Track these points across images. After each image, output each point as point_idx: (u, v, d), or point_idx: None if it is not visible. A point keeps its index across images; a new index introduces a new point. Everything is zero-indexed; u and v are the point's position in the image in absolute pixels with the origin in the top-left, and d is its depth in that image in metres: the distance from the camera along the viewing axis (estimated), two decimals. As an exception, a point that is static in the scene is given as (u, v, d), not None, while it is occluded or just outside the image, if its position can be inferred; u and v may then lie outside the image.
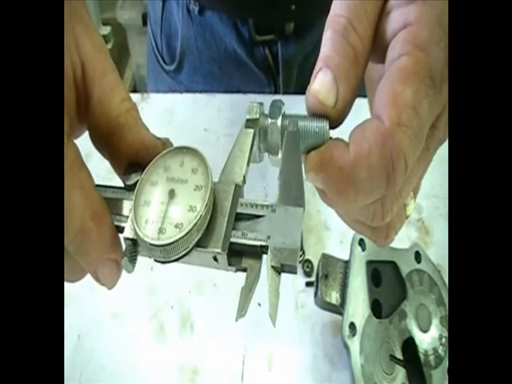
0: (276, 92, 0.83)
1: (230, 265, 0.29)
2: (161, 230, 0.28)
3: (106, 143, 0.32)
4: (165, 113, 0.78)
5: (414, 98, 0.27)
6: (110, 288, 0.33)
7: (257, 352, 0.56)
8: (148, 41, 0.92)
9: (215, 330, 0.57)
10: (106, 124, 0.32)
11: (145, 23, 1.93)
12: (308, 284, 0.60)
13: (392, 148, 0.27)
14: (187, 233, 0.28)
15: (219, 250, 0.28)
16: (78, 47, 0.31)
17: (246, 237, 0.29)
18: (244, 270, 0.29)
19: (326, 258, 0.53)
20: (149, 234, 0.28)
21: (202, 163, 0.30)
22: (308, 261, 0.61)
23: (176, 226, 0.28)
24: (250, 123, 0.32)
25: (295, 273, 0.29)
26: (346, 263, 0.53)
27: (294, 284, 0.60)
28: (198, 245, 0.29)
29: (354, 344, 0.48)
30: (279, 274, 0.28)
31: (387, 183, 0.28)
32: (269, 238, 0.28)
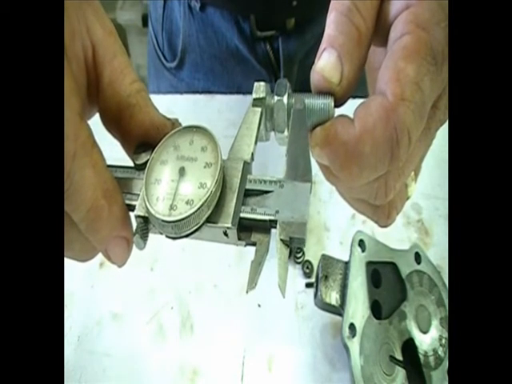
0: None
1: (239, 239, 0.30)
2: (172, 207, 0.29)
3: (116, 124, 0.33)
4: (165, 113, 0.78)
5: (416, 74, 0.28)
6: (120, 266, 0.33)
7: (257, 353, 0.56)
8: (149, 39, 0.93)
9: (215, 330, 0.57)
10: (116, 105, 0.32)
11: (144, 24, 1.94)
12: (308, 285, 0.60)
13: (396, 122, 0.28)
14: (198, 209, 0.28)
15: (229, 225, 0.29)
16: (88, 31, 0.32)
17: (255, 212, 0.29)
18: (253, 244, 0.30)
19: (326, 259, 0.53)
20: (160, 210, 0.29)
21: (212, 141, 0.31)
22: (308, 262, 0.61)
23: (187, 203, 0.29)
24: (257, 102, 0.33)
25: (303, 245, 0.30)
26: (346, 264, 0.53)
27: (293, 285, 0.60)
28: (209, 220, 0.29)
29: (354, 345, 0.48)
30: (288, 246, 0.29)
31: (391, 158, 0.29)
32: (277, 212, 0.29)
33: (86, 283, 0.61)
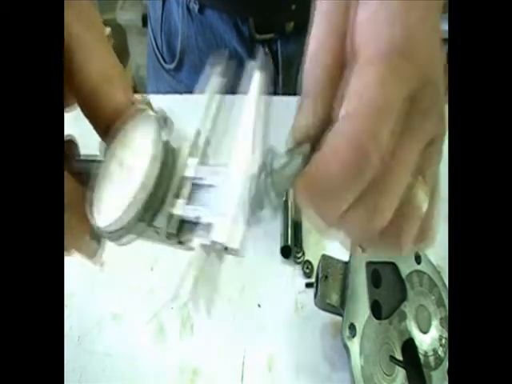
0: (276, 91, 0.83)
1: (179, 243, 0.29)
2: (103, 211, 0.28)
3: (86, 109, 0.32)
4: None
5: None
6: (96, 264, 0.32)
7: (257, 353, 0.56)
8: (148, 40, 0.93)
9: (215, 330, 0.57)
10: (85, 90, 0.31)
11: (144, 24, 1.94)
12: (308, 285, 0.60)
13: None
14: (125, 211, 0.27)
15: (167, 228, 0.29)
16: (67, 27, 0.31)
17: (188, 210, 0.28)
18: (191, 248, 0.29)
19: (326, 259, 0.53)
20: (95, 215, 0.28)
21: (155, 138, 0.30)
22: (308, 262, 0.61)
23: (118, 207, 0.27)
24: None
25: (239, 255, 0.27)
26: (346, 264, 0.53)
27: (293, 285, 0.60)
28: (145, 222, 0.28)
29: (354, 345, 0.48)
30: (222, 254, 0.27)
31: (361, 164, 0.25)
32: (213, 213, 0.27)
33: (86, 283, 0.61)
